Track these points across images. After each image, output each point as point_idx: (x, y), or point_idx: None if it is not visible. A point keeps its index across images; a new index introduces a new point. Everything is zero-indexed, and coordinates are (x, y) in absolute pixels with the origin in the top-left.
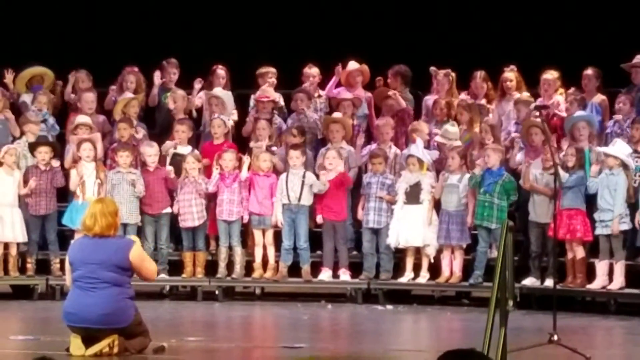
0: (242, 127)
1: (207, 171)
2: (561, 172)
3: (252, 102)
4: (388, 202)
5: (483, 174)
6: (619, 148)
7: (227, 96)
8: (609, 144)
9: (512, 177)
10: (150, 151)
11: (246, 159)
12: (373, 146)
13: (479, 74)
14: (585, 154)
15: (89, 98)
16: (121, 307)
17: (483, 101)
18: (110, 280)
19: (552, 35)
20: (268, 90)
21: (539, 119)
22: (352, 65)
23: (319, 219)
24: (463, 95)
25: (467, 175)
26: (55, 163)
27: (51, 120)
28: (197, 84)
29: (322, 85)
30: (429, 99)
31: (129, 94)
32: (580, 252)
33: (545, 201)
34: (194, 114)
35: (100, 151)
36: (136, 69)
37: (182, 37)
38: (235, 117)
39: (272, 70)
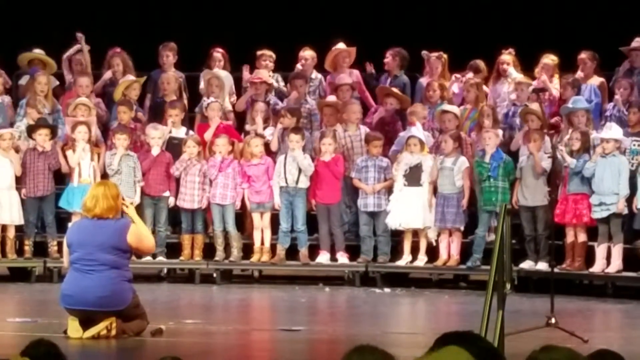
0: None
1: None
2: (569, 158)
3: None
4: (385, 188)
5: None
6: (616, 131)
7: (227, 77)
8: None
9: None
10: (155, 134)
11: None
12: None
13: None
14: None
15: (84, 82)
16: (119, 290)
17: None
18: (108, 263)
19: (547, 18)
20: (261, 72)
21: (535, 104)
22: (340, 46)
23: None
24: (470, 74)
25: (462, 158)
26: (49, 145)
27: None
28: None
29: (317, 67)
30: (422, 82)
31: (130, 77)
32: (582, 236)
33: (534, 185)
34: (184, 96)
35: (95, 133)
36: (118, 50)
37: (181, 20)
38: (234, 99)
39: (269, 53)
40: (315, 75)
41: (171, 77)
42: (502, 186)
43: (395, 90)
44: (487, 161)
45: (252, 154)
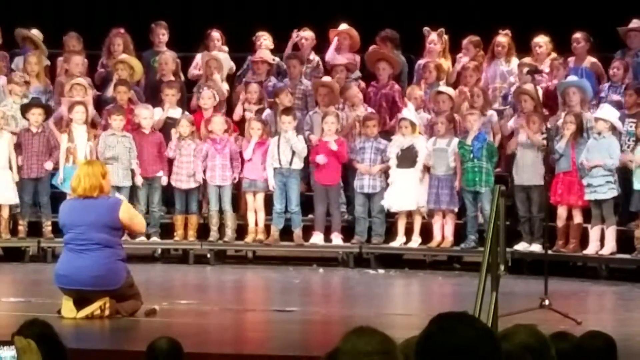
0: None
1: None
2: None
3: (246, 65)
4: (382, 170)
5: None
6: (608, 112)
7: (226, 59)
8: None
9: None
10: (145, 114)
11: (253, 133)
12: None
13: (470, 39)
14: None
15: (78, 61)
16: (112, 269)
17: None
18: (101, 242)
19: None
20: (263, 52)
21: (529, 85)
22: (342, 27)
23: (320, 158)
24: (466, 58)
25: (456, 140)
26: (45, 125)
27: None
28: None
29: (315, 49)
30: (421, 63)
31: (124, 56)
32: (578, 218)
33: (529, 165)
34: (181, 76)
35: (92, 114)
36: (122, 31)
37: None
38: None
39: (265, 34)
40: (314, 56)
41: (169, 57)
42: (486, 167)
43: (384, 52)
44: (469, 143)
45: (252, 135)
